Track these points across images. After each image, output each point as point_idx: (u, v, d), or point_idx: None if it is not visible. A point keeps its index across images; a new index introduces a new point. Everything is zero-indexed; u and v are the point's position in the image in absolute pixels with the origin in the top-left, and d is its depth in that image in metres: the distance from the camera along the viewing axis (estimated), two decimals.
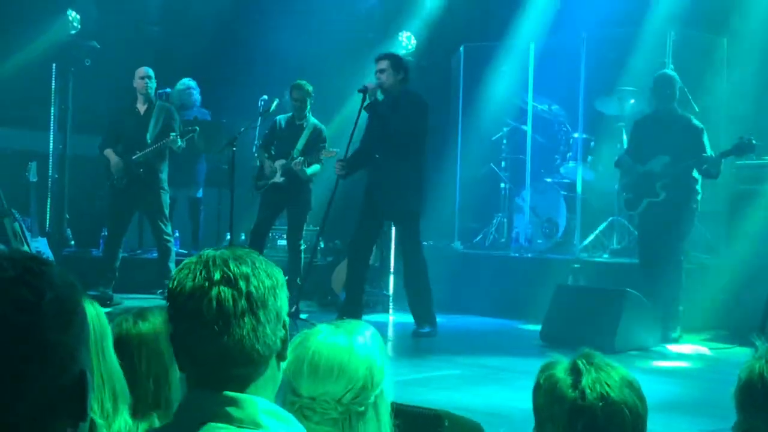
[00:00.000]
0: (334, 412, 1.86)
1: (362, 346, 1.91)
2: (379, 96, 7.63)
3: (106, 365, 2.17)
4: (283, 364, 1.68)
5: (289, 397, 1.87)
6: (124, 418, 2.21)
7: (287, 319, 1.65)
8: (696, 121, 7.70)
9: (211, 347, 1.56)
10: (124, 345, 2.35)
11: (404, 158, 7.52)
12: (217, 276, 1.56)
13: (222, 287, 1.55)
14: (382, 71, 7.61)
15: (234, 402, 1.55)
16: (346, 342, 1.90)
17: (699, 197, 7.66)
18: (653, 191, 7.62)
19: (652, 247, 7.75)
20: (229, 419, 1.54)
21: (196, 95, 10.53)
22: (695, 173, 7.62)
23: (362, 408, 1.87)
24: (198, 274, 1.57)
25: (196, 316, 1.55)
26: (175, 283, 1.59)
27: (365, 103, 7.59)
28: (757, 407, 1.73)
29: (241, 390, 1.57)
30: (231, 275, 1.56)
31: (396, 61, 7.74)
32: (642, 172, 7.73)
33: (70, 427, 1.11)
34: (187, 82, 10.44)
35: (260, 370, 1.60)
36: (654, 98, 7.90)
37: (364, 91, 7.55)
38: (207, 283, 1.56)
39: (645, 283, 7.60)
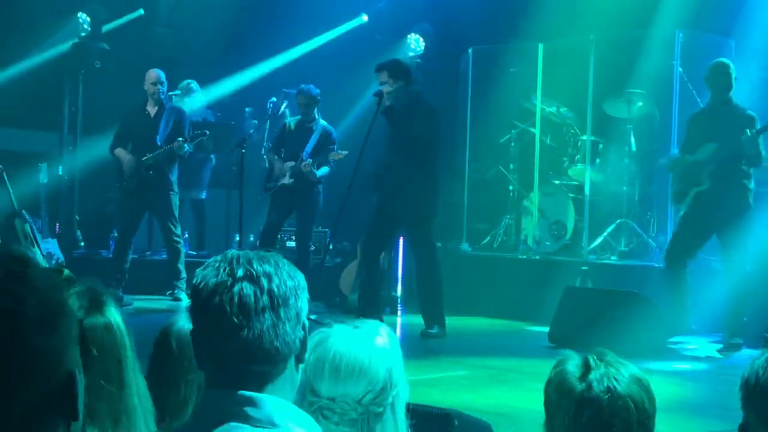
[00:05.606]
0: (353, 412, 1.88)
1: (381, 346, 1.93)
2: (389, 102, 7.58)
3: (140, 389, 2.16)
4: (302, 366, 1.70)
5: (309, 397, 1.88)
6: None
7: (307, 321, 1.68)
8: (750, 112, 7.44)
9: (231, 342, 1.58)
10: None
11: (418, 163, 7.50)
12: (240, 273, 1.60)
13: (245, 283, 1.59)
14: (385, 83, 7.54)
15: (251, 402, 1.57)
16: (366, 343, 1.92)
17: (750, 194, 7.38)
18: (698, 180, 7.43)
19: (690, 240, 7.50)
20: (246, 419, 1.55)
21: (201, 96, 10.54)
22: (744, 166, 7.38)
23: (381, 408, 1.89)
24: (222, 271, 1.61)
25: (218, 311, 1.59)
26: (199, 279, 1.63)
27: (381, 107, 7.56)
28: (751, 403, 1.78)
29: (259, 390, 1.59)
30: (254, 273, 1.60)
31: (393, 68, 7.62)
32: (690, 162, 7.52)
33: (62, 427, 1.10)
34: (191, 83, 10.41)
35: (278, 369, 1.62)
36: (709, 88, 7.64)
37: (379, 95, 7.52)
38: (230, 280, 1.60)
39: (669, 279, 7.50)
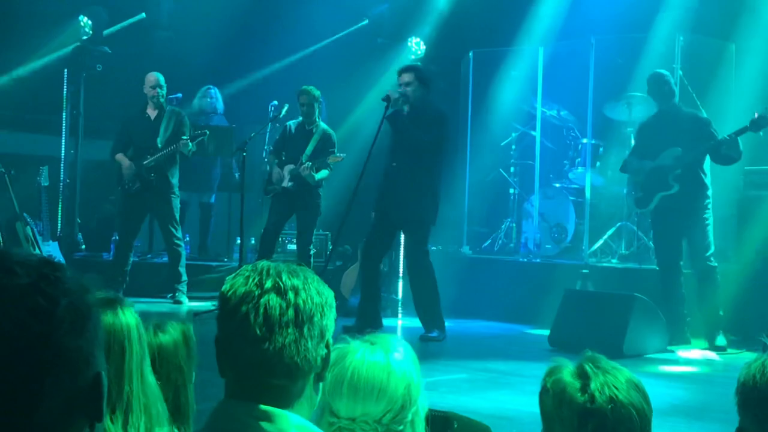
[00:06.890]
0: None
1: (400, 364, 1.91)
2: (404, 108, 7.55)
3: (144, 386, 2.19)
4: (321, 385, 1.69)
5: (328, 418, 1.87)
6: None
7: (332, 340, 1.67)
8: (702, 114, 7.63)
9: (252, 353, 1.58)
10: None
11: (420, 168, 7.51)
12: (268, 284, 1.60)
13: (271, 295, 1.60)
14: (408, 84, 7.54)
15: (267, 416, 1.56)
16: (384, 361, 1.90)
17: (709, 192, 7.58)
18: (666, 184, 7.53)
19: (670, 247, 7.64)
20: None
21: (216, 103, 10.64)
22: (706, 167, 7.53)
23: (401, 427, 1.88)
24: (251, 280, 1.62)
25: (243, 320, 1.59)
26: (228, 287, 1.64)
27: (388, 112, 7.53)
28: (747, 406, 1.78)
29: (277, 404, 1.58)
30: (282, 285, 1.61)
31: (422, 74, 7.69)
32: (652, 168, 7.64)
33: (87, 428, 1.12)
34: (211, 89, 10.57)
35: (297, 385, 1.62)
36: (654, 99, 7.87)
37: (387, 100, 7.50)
38: (258, 290, 1.60)
39: (664, 289, 7.56)
